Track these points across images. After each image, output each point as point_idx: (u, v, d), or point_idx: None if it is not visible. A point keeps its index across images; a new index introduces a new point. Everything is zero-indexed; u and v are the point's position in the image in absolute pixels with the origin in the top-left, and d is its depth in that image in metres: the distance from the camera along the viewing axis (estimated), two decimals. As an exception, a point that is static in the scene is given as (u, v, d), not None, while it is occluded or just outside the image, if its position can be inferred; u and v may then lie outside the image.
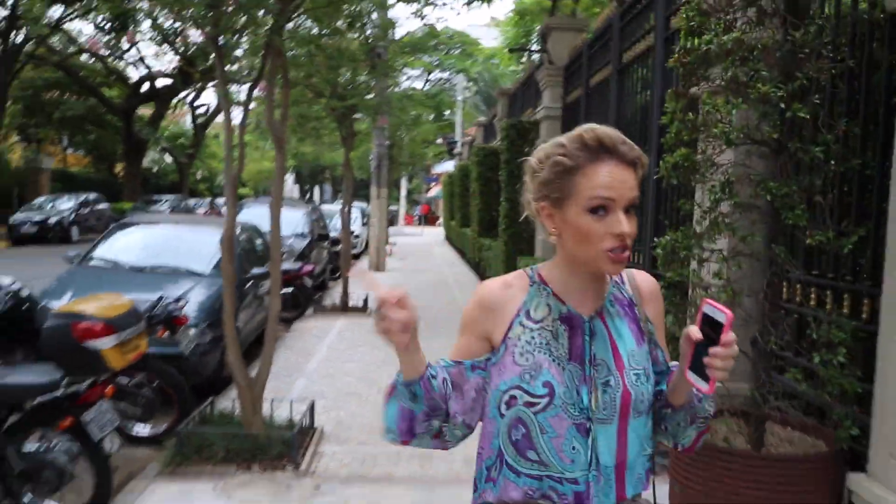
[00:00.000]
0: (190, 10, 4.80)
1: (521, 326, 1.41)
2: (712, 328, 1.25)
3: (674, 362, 1.47)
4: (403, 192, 49.14)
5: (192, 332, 5.57)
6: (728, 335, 1.23)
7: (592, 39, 8.31)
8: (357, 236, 20.06)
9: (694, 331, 1.29)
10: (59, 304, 5.01)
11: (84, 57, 32.05)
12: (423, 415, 1.37)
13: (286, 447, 4.44)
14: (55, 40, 28.19)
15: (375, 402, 5.78)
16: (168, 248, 7.11)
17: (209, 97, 52.39)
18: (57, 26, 24.93)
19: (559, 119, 9.91)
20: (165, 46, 22.19)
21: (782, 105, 2.77)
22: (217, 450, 4.43)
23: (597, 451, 1.36)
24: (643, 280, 1.52)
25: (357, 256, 19.34)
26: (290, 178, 57.70)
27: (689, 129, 2.89)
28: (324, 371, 6.93)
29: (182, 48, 26.66)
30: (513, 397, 1.37)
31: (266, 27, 4.80)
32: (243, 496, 4.02)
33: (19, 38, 23.99)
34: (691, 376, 1.29)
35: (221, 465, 4.37)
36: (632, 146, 1.36)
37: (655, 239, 3.57)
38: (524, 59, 23.25)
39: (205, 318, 5.90)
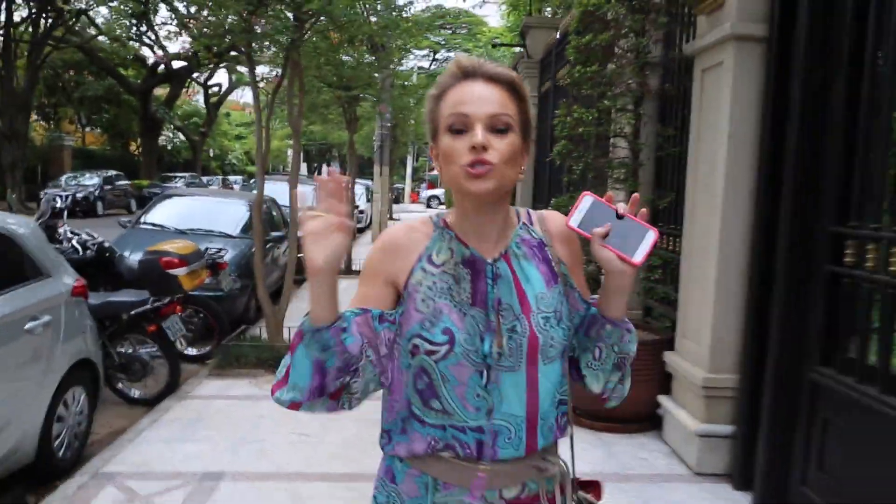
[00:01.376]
0: (228, 30, 6.35)
1: (422, 271, 1.32)
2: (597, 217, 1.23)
3: (593, 296, 1.41)
4: (409, 171, 50.72)
5: (230, 277, 7.15)
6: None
7: (559, 39, 9.77)
8: (362, 212, 21.69)
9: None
10: (127, 254, 6.62)
11: (102, 38, 33.59)
12: (335, 370, 1.24)
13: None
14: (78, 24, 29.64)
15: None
16: (203, 215, 8.69)
17: (221, 77, 53.80)
18: (83, 12, 26.42)
19: (536, 107, 11.41)
20: (181, 30, 23.87)
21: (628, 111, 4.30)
22: (250, 359, 6.04)
23: (503, 399, 1.27)
24: (554, 220, 1.43)
25: (362, 230, 20.91)
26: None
27: (567, 127, 4.44)
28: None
29: (197, 32, 28.27)
30: (415, 346, 1.27)
31: (286, 44, 6.32)
32: (268, 386, 5.60)
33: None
34: (610, 253, 1.22)
35: (253, 368, 5.97)
36: (502, 69, 1.30)
37: (553, 200, 5.13)
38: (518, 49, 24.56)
39: (236, 269, 7.49)
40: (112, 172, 28.04)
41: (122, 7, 23.89)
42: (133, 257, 6.33)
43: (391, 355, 1.32)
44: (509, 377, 1.28)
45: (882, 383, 2.90)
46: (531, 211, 1.45)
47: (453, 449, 1.29)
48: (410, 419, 1.31)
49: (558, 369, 1.33)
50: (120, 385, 5.32)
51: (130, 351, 5.30)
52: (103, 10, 28.20)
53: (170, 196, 9.56)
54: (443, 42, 49.35)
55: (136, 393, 5.38)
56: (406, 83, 14.42)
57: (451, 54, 51.34)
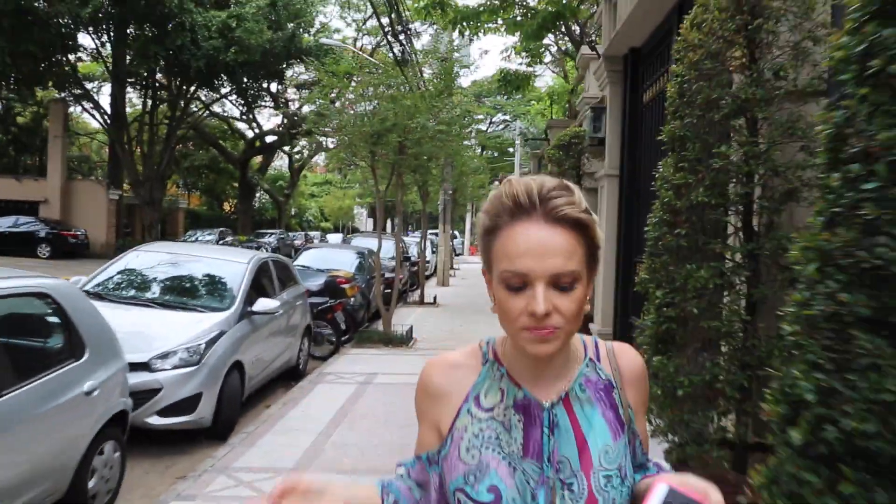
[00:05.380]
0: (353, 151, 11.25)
1: (468, 415, 1.17)
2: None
3: (655, 462, 1.28)
4: (468, 226, 55.74)
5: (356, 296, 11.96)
6: None
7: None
8: (428, 261, 26.57)
9: None
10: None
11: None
12: None
13: (404, 338, 10.70)
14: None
15: (450, 326, 11.99)
16: (330, 259, 13.55)
17: (303, 144, 60.43)
18: (207, 106, 32.75)
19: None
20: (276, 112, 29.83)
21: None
22: (373, 339, 10.72)
23: None
24: (627, 360, 1.25)
25: (428, 277, 25.74)
26: (363, 213, 65.19)
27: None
28: (413, 322, 13.23)
29: (287, 115, 34.31)
30: (459, 501, 1.14)
31: (393, 160, 11.14)
32: (385, 352, 10.26)
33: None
34: None
35: (376, 345, 10.64)
36: (569, 200, 1.08)
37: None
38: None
39: (359, 292, 12.29)
40: (221, 229, 33.83)
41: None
42: (309, 281, 11.14)
43: (441, 500, 1.20)
44: None
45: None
46: (599, 342, 1.27)
47: None
48: None
49: None
50: (304, 347, 10.08)
51: (317, 329, 10.05)
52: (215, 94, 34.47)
53: (307, 248, 14.55)
54: (498, 107, 54.74)
55: (316, 352, 10.10)
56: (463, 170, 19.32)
57: (507, 117, 56.60)
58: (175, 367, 5.78)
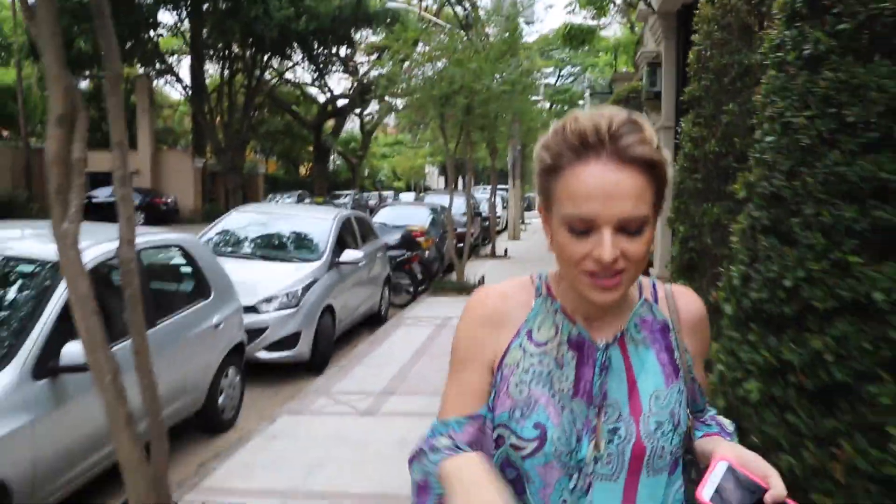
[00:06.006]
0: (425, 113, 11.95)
1: (520, 350, 1.12)
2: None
3: (714, 416, 1.23)
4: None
5: (431, 249, 12.79)
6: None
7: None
8: (499, 217, 27.24)
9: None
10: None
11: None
12: None
13: (476, 286, 11.49)
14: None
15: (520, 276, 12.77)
16: (406, 216, 14.38)
17: (374, 107, 61.53)
18: (280, 74, 34.00)
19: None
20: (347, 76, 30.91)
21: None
22: (449, 289, 11.53)
23: None
24: (686, 303, 1.19)
25: (499, 232, 26.43)
26: (435, 171, 66.06)
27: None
28: (485, 273, 13.99)
29: (358, 79, 35.25)
30: (500, 436, 1.10)
31: (461, 119, 11.79)
32: (459, 299, 11.06)
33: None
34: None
35: (450, 294, 11.45)
36: (641, 137, 1.01)
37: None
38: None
39: (434, 245, 13.10)
40: (299, 191, 35.31)
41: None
42: (387, 236, 12.00)
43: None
44: (604, 487, 1.06)
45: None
46: (658, 284, 1.21)
47: None
48: None
49: (665, 483, 1.10)
50: (387, 294, 10.98)
51: (396, 279, 10.93)
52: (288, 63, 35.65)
53: (384, 206, 15.43)
54: (566, 59, 54.10)
55: (395, 300, 10.99)
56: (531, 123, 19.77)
57: (577, 69, 55.86)
58: (277, 310, 6.73)
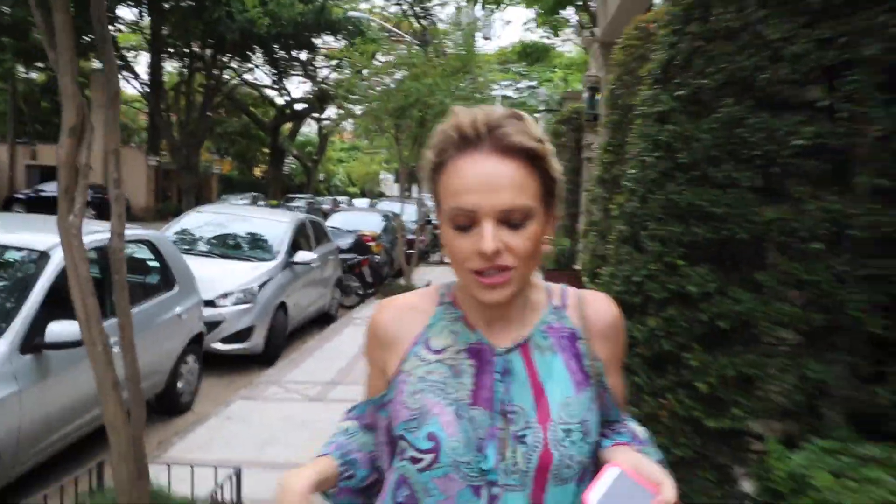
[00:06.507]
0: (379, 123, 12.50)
1: (416, 358, 1.11)
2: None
3: (629, 425, 1.19)
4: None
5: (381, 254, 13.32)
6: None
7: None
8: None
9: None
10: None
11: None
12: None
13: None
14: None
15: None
16: (357, 221, 14.89)
17: (331, 111, 61.78)
18: (239, 75, 34.12)
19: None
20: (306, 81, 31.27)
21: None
22: (397, 292, 12.03)
23: None
24: (597, 310, 1.16)
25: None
26: (390, 178, 66.61)
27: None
28: (433, 278, 14.56)
29: (317, 83, 35.64)
30: (401, 448, 1.09)
31: (416, 132, 12.37)
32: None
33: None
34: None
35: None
36: (519, 128, 1.01)
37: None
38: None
39: (384, 250, 13.63)
40: (253, 193, 35.41)
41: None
42: (339, 240, 12.48)
43: (388, 442, 1.16)
44: (512, 498, 1.03)
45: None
46: (568, 290, 1.18)
47: None
48: None
49: (573, 493, 1.05)
50: (341, 296, 11.46)
51: (346, 282, 11.42)
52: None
53: (337, 211, 15.95)
54: (523, 73, 55.22)
55: (345, 302, 11.47)
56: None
57: (534, 83, 56.99)
58: (234, 304, 7.19)
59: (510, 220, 0.99)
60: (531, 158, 1.00)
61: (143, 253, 5.59)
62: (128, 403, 3.33)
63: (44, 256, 4.08)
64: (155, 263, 5.59)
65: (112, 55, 3.04)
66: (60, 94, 2.87)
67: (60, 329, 3.79)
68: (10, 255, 4.19)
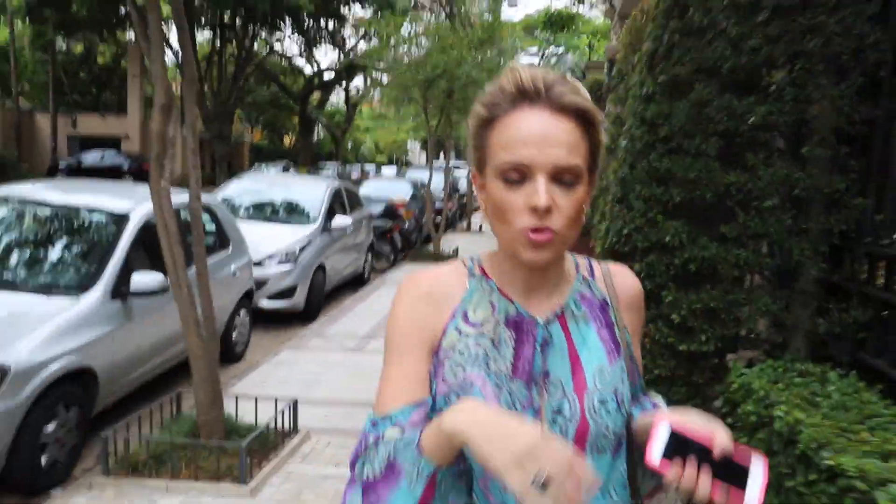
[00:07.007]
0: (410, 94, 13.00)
1: (456, 332, 1.08)
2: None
3: (651, 398, 1.20)
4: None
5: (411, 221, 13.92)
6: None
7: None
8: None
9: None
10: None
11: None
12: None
13: (451, 256, 12.65)
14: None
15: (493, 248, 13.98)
16: (388, 189, 15.49)
17: (359, 81, 62.20)
18: (269, 45, 34.70)
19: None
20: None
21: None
22: (426, 257, 12.70)
23: None
24: (623, 281, 1.18)
25: (476, 209, 27.65)
26: (416, 146, 66.91)
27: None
28: (459, 245, 15.14)
29: (345, 52, 36.12)
30: None
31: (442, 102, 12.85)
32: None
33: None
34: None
35: (427, 262, 12.60)
36: (574, 88, 1.02)
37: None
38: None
39: (414, 217, 14.22)
40: (286, 163, 36.18)
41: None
42: (370, 207, 13.09)
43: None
44: None
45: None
46: (594, 262, 1.20)
47: None
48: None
49: (608, 463, 1.07)
50: (373, 260, 12.11)
51: (378, 247, 12.05)
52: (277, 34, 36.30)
53: (368, 180, 16.55)
54: (549, 40, 54.86)
55: (377, 265, 12.12)
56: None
57: (560, 49, 56.64)
58: (278, 265, 7.85)
59: (562, 178, 0.99)
60: (584, 121, 1.01)
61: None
62: (204, 338, 3.98)
63: (124, 218, 4.75)
64: (211, 226, 6.24)
65: (190, 48, 3.62)
66: (151, 77, 3.48)
67: (142, 278, 4.53)
68: (96, 217, 4.86)
